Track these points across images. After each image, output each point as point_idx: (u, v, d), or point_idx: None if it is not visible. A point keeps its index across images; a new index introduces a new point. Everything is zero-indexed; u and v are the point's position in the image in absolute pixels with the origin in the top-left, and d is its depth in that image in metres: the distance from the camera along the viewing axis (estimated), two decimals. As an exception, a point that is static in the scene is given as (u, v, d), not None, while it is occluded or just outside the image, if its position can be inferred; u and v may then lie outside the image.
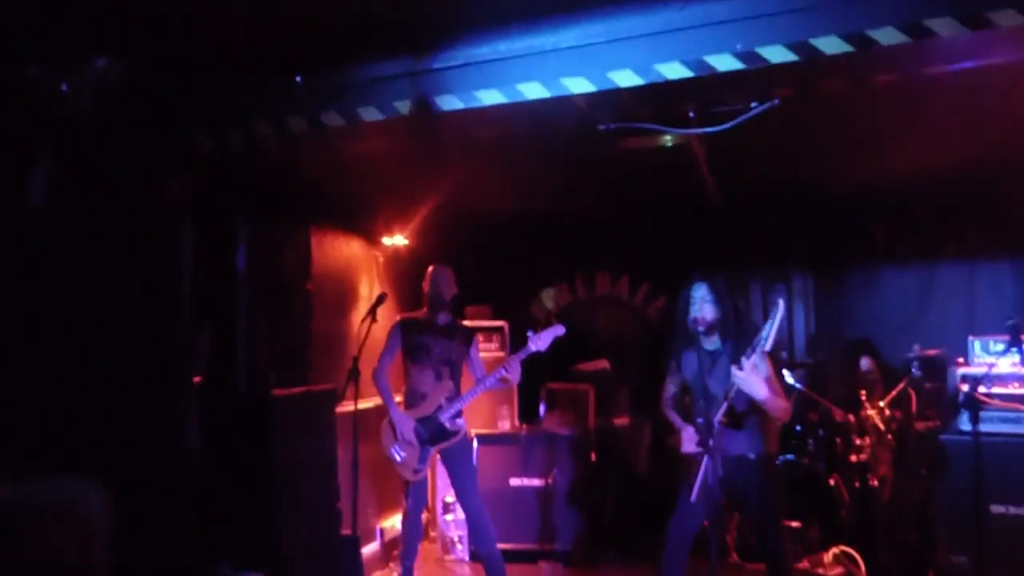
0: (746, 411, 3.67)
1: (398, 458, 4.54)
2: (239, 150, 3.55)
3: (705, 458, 3.54)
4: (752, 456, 3.72)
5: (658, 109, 3.41)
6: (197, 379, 3.66)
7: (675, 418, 4.02)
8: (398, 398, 4.70)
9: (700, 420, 3.64)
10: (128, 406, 2.95)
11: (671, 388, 4.06)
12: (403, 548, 4.85)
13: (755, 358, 3.48)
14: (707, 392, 3.65)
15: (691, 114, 3.41)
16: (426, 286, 4.69)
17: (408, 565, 4.78)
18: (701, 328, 3.72)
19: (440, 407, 4.54)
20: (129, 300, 2.97)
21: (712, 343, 3.82)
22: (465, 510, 4.68)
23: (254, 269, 4.17)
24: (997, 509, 4.52)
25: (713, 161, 4.62)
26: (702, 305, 3.75)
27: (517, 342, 5.90)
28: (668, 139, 3.91)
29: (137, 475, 2.84)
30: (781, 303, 3.50)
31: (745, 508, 4.08)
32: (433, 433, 4.53)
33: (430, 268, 4.71)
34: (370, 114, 3.48)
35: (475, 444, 5.26)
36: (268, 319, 4.29)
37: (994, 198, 5.92)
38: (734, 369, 3.50)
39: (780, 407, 3.62)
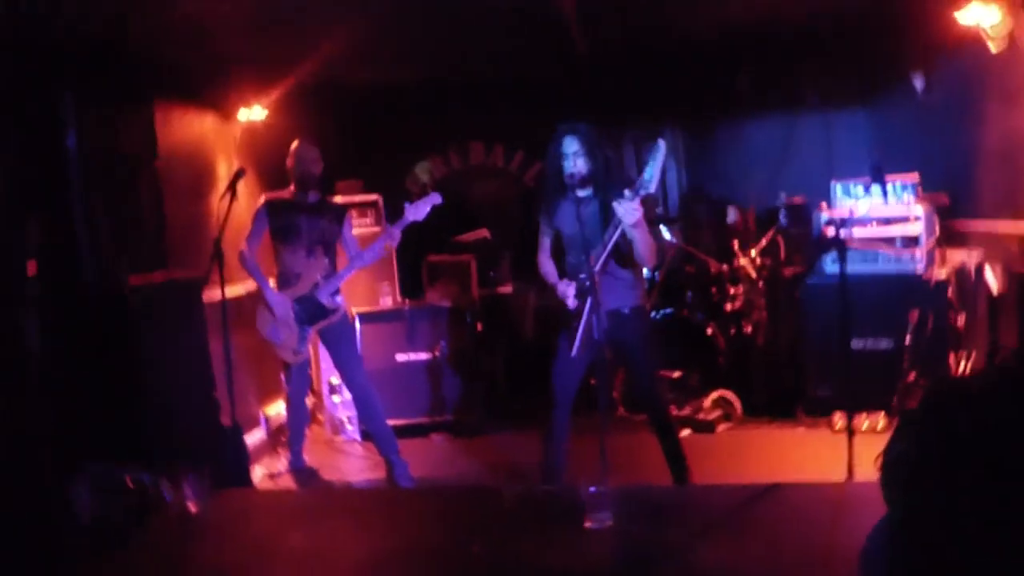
0: (622, 260, 3.63)
1: (276, 340, 4.37)
2: (45, 9, 3.03)
3: (586, 310, 3.51)
4: (627, 310, 3.70)
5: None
6: (30, 273, 3.26)
7: (550, 273, 3.89)
8: (271, 281, 4.43)
9: (581, 274, 3.57)
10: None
11: (545, 241, 3.94)
12: (290, 433, 4.72)
13: (635, 201, 3.36)
14: (585, 241, 3.53)
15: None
16: (290, 163, 4.39)
17: (296, 449, 4.68)
18: (576, 181, 3.61)
19: (316, 285, 4.34)
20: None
21: (585, 191, 3.71)
22: (351, 389, 4.58)
23: (88, 148, 3.70)
24: (857, 344, 4.77)
25: (579, 8, 4.38)
26: (574, 159, 3.62)
27: (392, 217, 5.66)
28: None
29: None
30: (662, 143, 3.33)
31: (624, 361, 4.08)
32: (311, 312, 4.35)
33: (294, 144, 4.39)
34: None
35: (357, 323, 5.09)
36: (111, 202, 3.87)
37: (849, 44, 5.98)
38: (617, 202, 3.36)
39: (651, 247, 3.58)
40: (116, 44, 3.90)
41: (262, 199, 4.48)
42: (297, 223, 4.38)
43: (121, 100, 4.06)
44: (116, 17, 3.52)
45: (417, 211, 4.30)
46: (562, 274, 3.82)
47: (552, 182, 3.76)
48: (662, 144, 3.33)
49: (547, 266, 3.94)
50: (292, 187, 4.42)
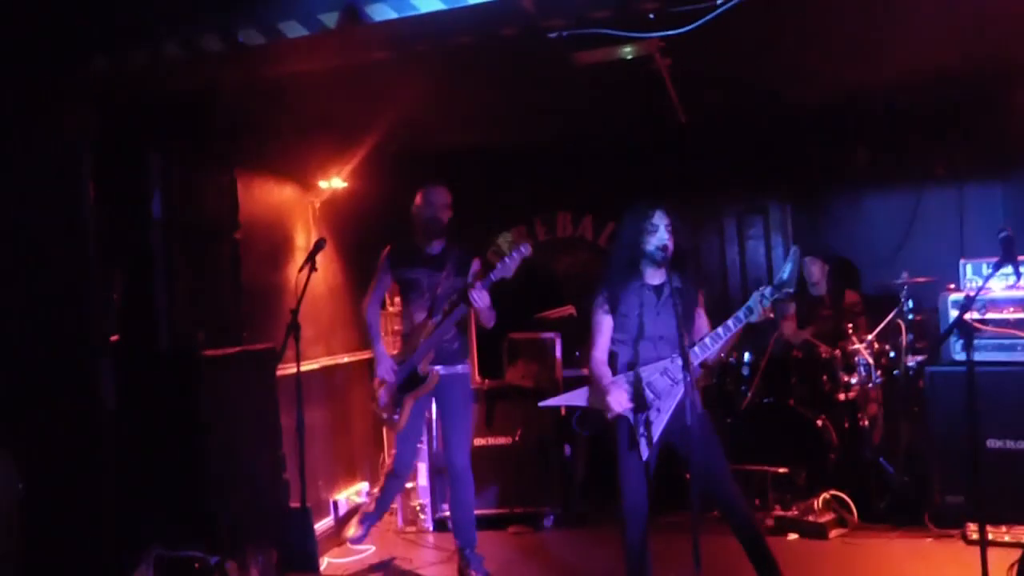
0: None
1: (379, 401, 4.55)
2: (143, 73, 3.39)
3: (671, 407, 3.57)
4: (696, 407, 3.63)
5: (615, 11, 3.32)
6: (113, 337, 3.54)
7: (605, 374, 3.73)
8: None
9: (641, 371, 3.62)
10: (34, 366, 2.82)
11: (605, 334, 3.76)
12: (375, 503, 4.75)
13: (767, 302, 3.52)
14: (649, 333, 3.61)
15: (650, 15, 3.32)
16: (417, 209, 4.52)
17: (368, 524, 4.71)
18: (666, 256, 3.59)
19: (415, 348, 4.47)
20: (25, 244, 2.83)
21: (659, 277, 3.71)
22: (448, 466, 4.54)
23: (172, 214, 4.02)
24: (993, 444, 4.62)
25: (678, 75, 4.56)
26: (666, 232, 3.63)
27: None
28: (628, 50, 3.83)
29: (48, 442, 2.74)
30: (795, 248, 3.62)
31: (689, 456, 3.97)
32: (406, 377, 4.48)
33: (421, 190, 4.54)
34: (293, 29, 3.35)
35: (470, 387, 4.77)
36: (191, 271, 4.16)
37: (983, 115, 5.96)
38: (759, 298, 3.52)
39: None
40: (203, 105, 4.27)
41: (387, 247, 4.64)
42: (418, 277, 4.51)
43: (205, 166, 4.41)
44: (207, 74, 3.87)
45: (506, 267, 4.20)
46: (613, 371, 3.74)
47: (624, 259, 3.71)
48: (796, 249, 3.58)
49: (603, 365, 3.76)
50: (417, 236, 4.54)
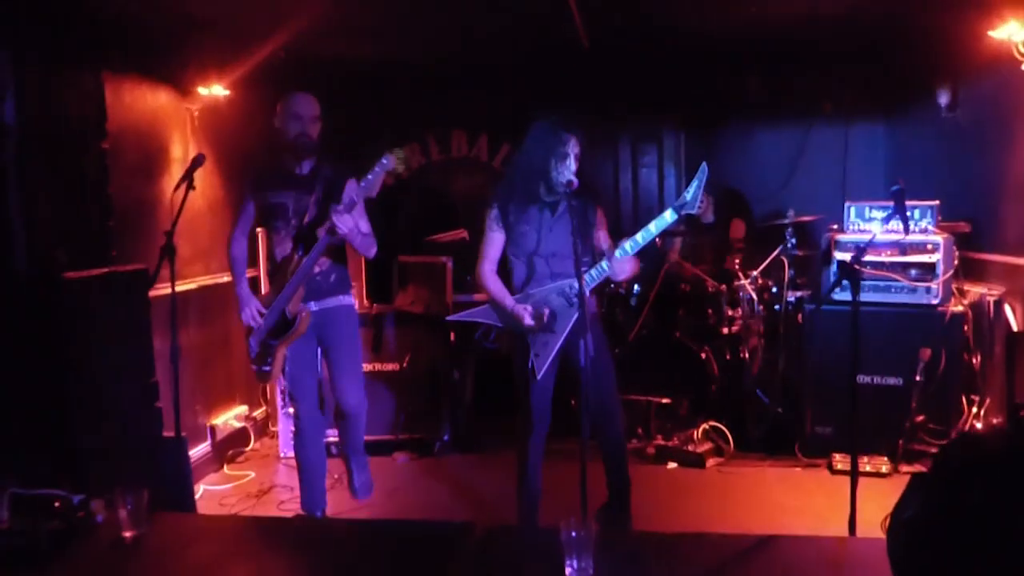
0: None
1: (250, 351, 4.05)
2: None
3: (567, 327, 3.60)
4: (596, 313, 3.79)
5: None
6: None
7: (499, 289, 3.75)
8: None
9: (558, 288, 3.62)
10: None
11: (496, 248, 3.76)
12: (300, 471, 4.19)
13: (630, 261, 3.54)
14: (543, 250, 3.61)
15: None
16: (278, 122, 3.92)
17: (309, 496, 4.17)
18: (569, 191, 3.47)
19: (282, 288, 3.93)
20: None
21: (548, 194, 3.69)
22: (339, 401, 4.11)
23: (28, 120, 3.61)
24: (863, 379, 4.81)
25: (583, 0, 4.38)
26: (574, 162, 3.58)
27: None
28: (536, -30, 3.61)
29: None
30: (705, 165, 3.50)
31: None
32: (275, 322, 3.94)
33: (282, 100, 3.93)
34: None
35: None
36: (51, 183, 3.78)
37: (871, 55, 6.04)
38: (617, 254, 3.52)
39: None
40: (65, 4, 3.82)
41: (249, 173, 4.09)
42: (284, 201, 3.93)
43: (67, 65, 3.96)
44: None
45: (369, 186, 3.68)
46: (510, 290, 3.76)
47: (528, 178, 3.66)
48: (705, 167, 3.48)
49: (495, 280, 3.78)
50: (282, 155, 3.96)
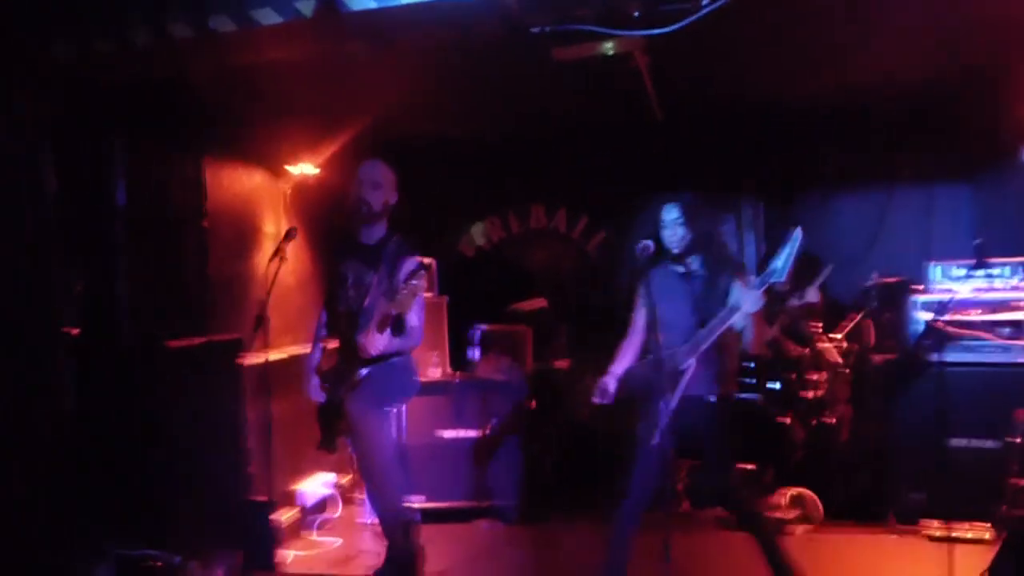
0: (718, 345, 3.63)
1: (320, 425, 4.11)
2: (108, 60, 3.25)
3: (675, 397, 3.53)
4: (712, 398, 3.68)
5: (598, 9, 3.24)
6: (73, 331, 3.41)
7: (622, 356, 3.88)
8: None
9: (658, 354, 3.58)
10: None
11: (640, 318, 3.88)
12: None
13: (759, 289, 3.41)
14: (668, 319, 3.59)
15: (635, 14, 3.25)
16: (349, 189, 3.89)
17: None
18: (675, 250, 3.66)
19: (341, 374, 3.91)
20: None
21: (682, 266, 3.76)
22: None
23: (136, 203, 3.88)
24: (957, 442, 4.65)
25: (657, 73, 4.50)
26: (675, 228, 3.69)
27: (446, 283, 5.78)
28: (609, 46, 3.74)
29: (4, 444, 2.62)
30: (799, 231, 3.37)
31: (699, 453, 3.99)
32: (334, 406, 3.91)
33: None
34: (266, 16, 3.23)
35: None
36: (155, 261, 4.03)
37: (951, 117, 5.98)
38: (741, 287, 3.45)
39: (760, 335, 3.69)
40: (171, 92, 4.11)
41: (333, 239, 4.19)
42: (345, 272, 3.89)
43: (172, 152, 4.26)
44: (176, 62, 3.72)
45: (399, 305, 3.56)
46: (646, 352, 3.82)
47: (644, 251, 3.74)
48: (799, 232, 3.36)
49: (627, 348, 3.89)
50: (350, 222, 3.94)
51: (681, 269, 3.76)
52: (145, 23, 3.24)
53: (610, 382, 3.82)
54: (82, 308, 3.62)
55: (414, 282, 3.50)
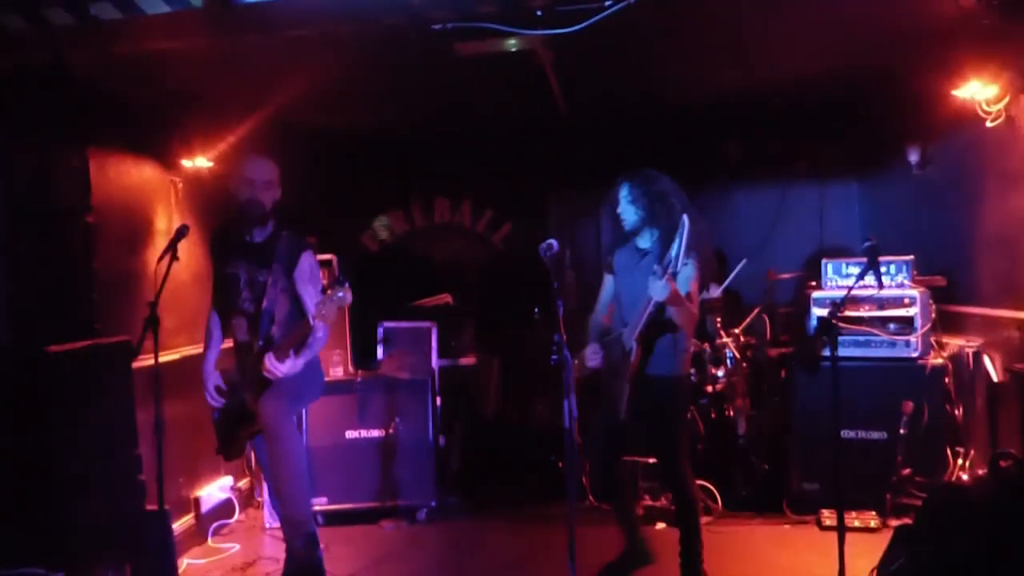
0: (661, 326, 3.72)
1: (216, 426, 4.09)
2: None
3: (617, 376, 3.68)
4: (667, 374, 3.78)
5: (501, 6, 3.20)
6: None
7: (591, 330, 4.01)
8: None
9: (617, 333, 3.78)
10: None
11: (606, 293, 4.04)
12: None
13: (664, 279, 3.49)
14: (625, 299, 3.78)
15: (538, 12, 3.22)
16: (231, 185, 3.80)
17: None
18: (627, 227, 3.80)
19: (245, 374, 3.90)
20: None
21: (644, 240, 3.87)
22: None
23: (14, 197, 3.64)
24: (847, 434, 4.82)
25: (560, 70, 4.49)
26: (625, 205, 3.84)
27: (348, 278, 5.64)
28: (512, 43, 3.72)
29: None
30: (686, 218, 3.44)
31: (652, 432, 3.99)
32: (236, 409, 3.92)
33: (239, 163, 3.89)
34: (153, 6, 3.07)
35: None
36: (36, 259, 3.80)
37: (843, 118, 6.20)
38: (650, 280, 3.51)
39: (689, 317, 3.76)
40: (51, 80, 3.88)
41: (210, 239, 4.09)
42: (235, 271, 3.86)
43: (53, 142, 4.02)
44: (54, 49, 3.51)
45: (323, 316, 3.53)
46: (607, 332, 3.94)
47: (613, 228, 3.94)
48: (686, 220, 3.43)
49: (594, 323, 4.03)
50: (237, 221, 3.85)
51: (637, 246, 3.87)
52: (18, 10, 3.04)
53: (592, 352, 3.88)
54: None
55: (340, 294, 3.44)
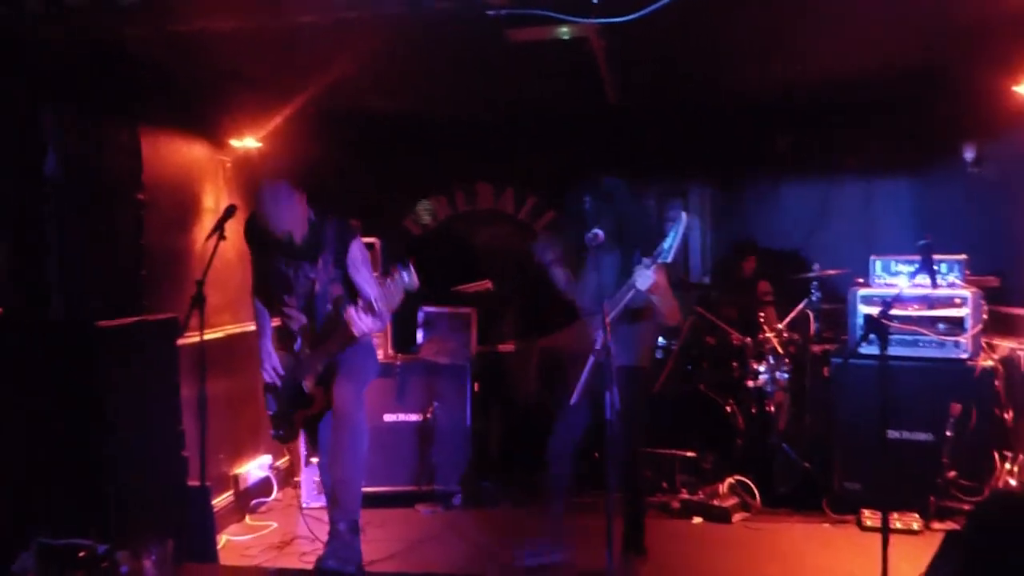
0: (631, 316, 3.80)
1: (268, 407, 4.16)
2: (35, 22, 3.06)
3: (589, 359, 3.65)
4: (623, 364, 3.74)
5: (557, -7, 3.16)
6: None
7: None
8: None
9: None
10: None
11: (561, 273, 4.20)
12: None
13: (651, 269, 3.60)
14: (600, 291, 3.68)
15: (595, 0, 3.17)
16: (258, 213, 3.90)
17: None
18: (594, 244, 3.65)
19: (301, 360, 4.01)
20: None
21: (606, 248, 3.82)
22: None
23: (68, 174, 3.68)
24: (892, 435, 4.73)
25: (612, 58, 4.44)
26: (592, 209, 3.86)
27: (391, 261, 5.65)
28: (565, 31, 3.67)
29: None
30: (684, 215, 3.58)
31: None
32: (291, 392, 4.03)
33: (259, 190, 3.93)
34: (208, -18, 3.08)
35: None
36: (88, 235, 3.84)
37: (898, 113, 6.06)
38: (635, 268, 3.60)
39: (672, 307, 3.85)
40: (105, 56, 3.91)
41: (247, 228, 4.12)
42: (285, 272, 3.96)
43: (105, 119, 4.05)
44: (108, 29, 3.54)
45: (389, 299, 3.68)
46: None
47: (572, 236, 3.92)
48: (684, 216, 3.55)
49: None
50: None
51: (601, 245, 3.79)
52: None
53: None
54: (8, 285, 3.42)
55: (406, 278, 3.60)
